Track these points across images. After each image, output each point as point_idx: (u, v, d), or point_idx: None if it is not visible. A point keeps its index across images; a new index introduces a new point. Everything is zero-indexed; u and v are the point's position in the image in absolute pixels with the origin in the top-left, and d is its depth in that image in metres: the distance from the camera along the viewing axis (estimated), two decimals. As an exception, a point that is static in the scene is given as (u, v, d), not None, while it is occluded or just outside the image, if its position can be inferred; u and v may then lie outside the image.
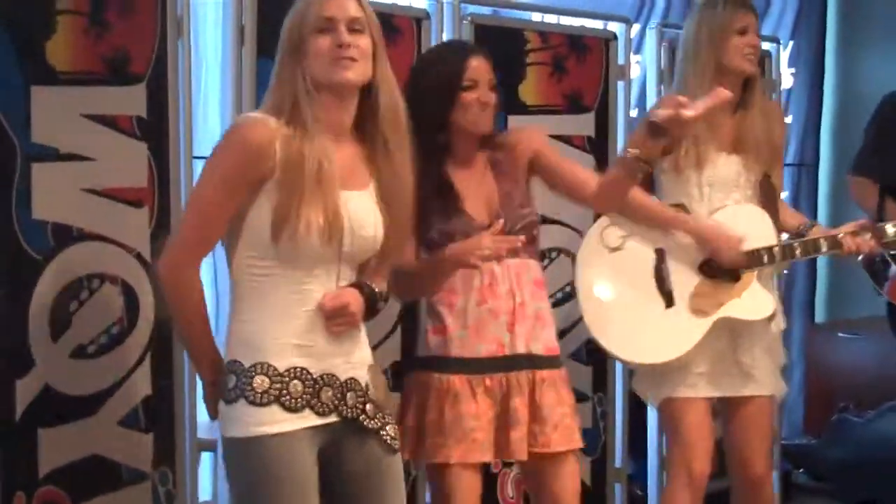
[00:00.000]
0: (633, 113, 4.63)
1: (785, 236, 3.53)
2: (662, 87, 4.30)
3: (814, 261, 5.81)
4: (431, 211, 2.94)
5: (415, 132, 2.61)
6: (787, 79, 5.67)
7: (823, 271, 6.20)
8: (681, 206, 3.42)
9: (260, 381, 2.36)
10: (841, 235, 3.39)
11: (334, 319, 2.44)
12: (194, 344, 2.53)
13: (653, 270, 3.40)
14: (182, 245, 2.46)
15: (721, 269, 3.37)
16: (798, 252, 3.42)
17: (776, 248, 3.38)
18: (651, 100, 4.37)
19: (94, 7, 2.89)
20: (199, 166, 3.57)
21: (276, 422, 2.37)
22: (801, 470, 5.20)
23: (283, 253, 2.37)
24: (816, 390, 5.72)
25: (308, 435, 2.40)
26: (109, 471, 2.98)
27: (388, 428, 2.53)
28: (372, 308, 2.51)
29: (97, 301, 2.93)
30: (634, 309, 3.38)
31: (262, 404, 2.36)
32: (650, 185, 3.48)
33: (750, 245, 3.36)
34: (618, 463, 4.26)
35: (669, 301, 3.38)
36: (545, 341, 3.07)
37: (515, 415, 2.98)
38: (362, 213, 2.45)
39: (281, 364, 2.38)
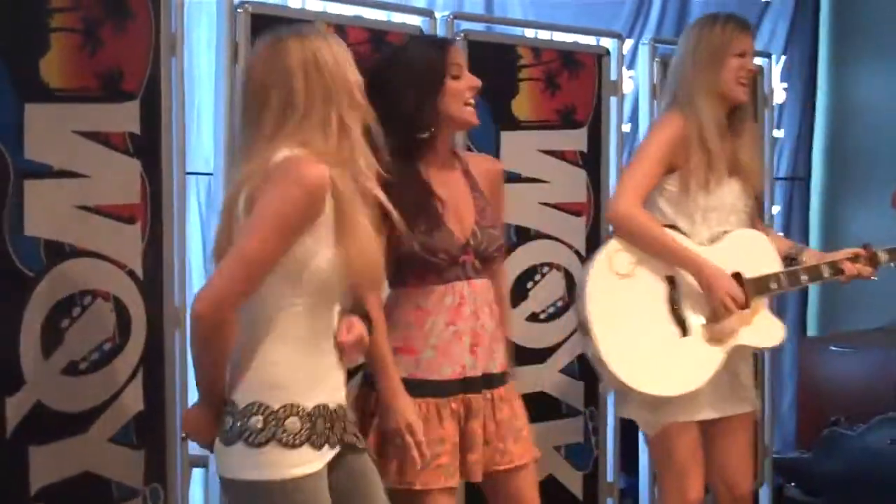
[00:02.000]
0: (626, 128, 4.65)
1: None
2: (655, 103, 4.31)
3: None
4: (412, 220, 2.81)
5: (392, 132, 2.60)
6: (779, 93, 5.69)
7: (815, 285, 6.21)
8: (675, 228, 3.34)
9: (291, 423, 2.37)
10: (842, 261, 3.41)
11: (351, 353, 2.50)
12: (211, 381, 2.46)
13: (666, 298, 3.31)
14: (231, 287, 2.35)
15: None
16: (803, 278, 3.42)
17: (782, 275, 3.37)
18: (644, 115, 4.39)
19: (87, 24, 2.90)
20: (192, 183, 3.61)
21: (307, 462, 2.38)
22: (793, 484, 5.20)
23: (317, 288, 2.38)
24: (808, 404, 5.73)
25: (326, 468, 2.43)
26: (101, 488, 2.97)
27: (362, 441, 2.60)
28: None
29: (89, 317, 2.93)
30: (651, 339, 3.27)
31: (294, 446, 2.37)
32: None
33: (755, 272, 3.35)
34: (609, 477, 4.26)
35: (685, 330, 3.30)
36: (499, 359, 3.02)
37: (474, 437, 2.93)
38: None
39: (308, 403, 2.40)
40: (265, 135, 2.40)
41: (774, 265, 3.40)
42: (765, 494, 4.92)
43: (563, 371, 4.07)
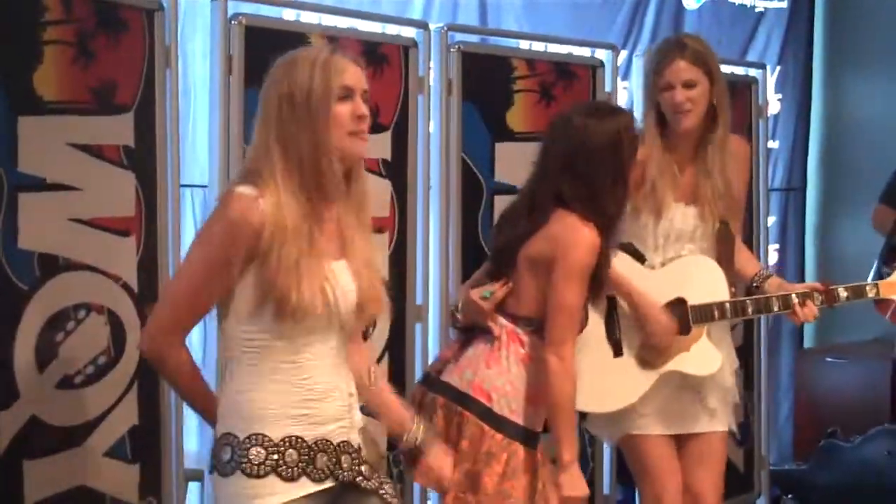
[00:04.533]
0: (621, 139, 4.64)
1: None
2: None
3: (802, 285, 5.81)
4: None
5: None
6: (773, 104, 5.70)
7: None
8: (629, 245, 3.31)
9: (256, 453, 2.32)
10: (793, 298, 3.33)
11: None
12: (198, 408, 2.47)
13: (605, 319, 3.30)
14: (165, 327, 2.36)
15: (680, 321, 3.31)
16: (750, 310, 3.37)
17: (727, 305, 3.31)
18: (639, 126, 4.37)
19: (81, 37, 2.90)
20: (186, 195, 3.61)
21: (274, 493, 2.32)
22: (789, 495, 5.19)
23: (279, 326, 2.32)
24: (805, 415, 5.72)
25: (305, 502, 2.35)
26: (95, 502, 2.96)
27: (386, 487, 2.49)
28: None
29: (84, 331, 2.92)
30: (588, 358, 3.21)
31: (259, 476, 2.31)
32: None
33: (700, 299, 3.31)
34: (606, 490, 4.25)
35: (618, 350, 3.29)
36: None
37: None
38: (345, 281, 2.38)
39: (276, 434, 2.34)
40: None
41: (722, 294, 3.33)
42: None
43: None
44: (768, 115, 4.98)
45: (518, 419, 2.92)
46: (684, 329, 3.29)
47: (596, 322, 3.27)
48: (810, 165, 6.23)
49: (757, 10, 5.86)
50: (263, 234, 2.27)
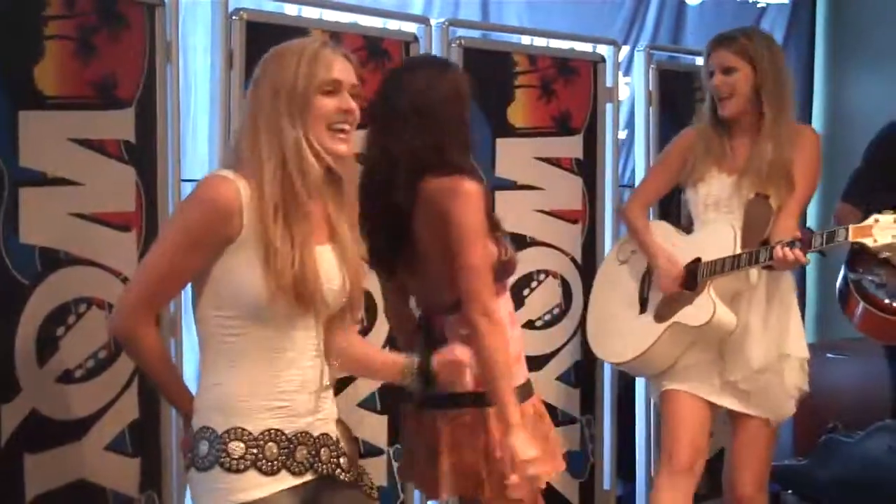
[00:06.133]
0: (622, 135, 4.65)
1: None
2: (651, 109, 4.32)
3: (803, 282, 5.81)
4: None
5: None
6: (775, 100, 5.67)
7: (812, 292, 6.20)
8: (668, 220, 3.76)
9: (235, 447, 2.29)
10: (777, 247, 3.39)
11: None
12: (167, 393, 2.46)
13: (640, 281, 3.69)
14: (135, 304, 2.33)
15: (691, 278, 3.54)
16: (744, 261, 3.46)
17: (728, 259, 3.47)
18: (640, 122, 4.38)
19: (82, 32, 2.90)
20: (187, 190, 3.60)
21: (254, 487, 2.30)
22: (790, 491, 5.19)
23: (255, 312, 2.30)
24: (805, 411, 5.64)
25: (286, 496, 2.34)
26: (96, 496, 2.97)
27: (364, 478, 2.50)
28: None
29: (84, 325, 2.93)
30: (615, 313, 3.72)
31: (238, 470, 2.29)
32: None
33: (709, 258, 3.50)
34: (606, 485, 4.26)
35: (644, 307, 3.65)
36: None
37: None
38: (328, 267, 2.37)
39: (255, 427, 2.32)
40: None
41: (731, 252, 3.49)
42: None
43: (559, 379, 4.07)
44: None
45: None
46: (691, 284, 3.53)
47: (634, 285, 3.71)
48: (812, 161, 6.22)
49: (759, 5, 5.85)
50: (241, 218, 2.26)
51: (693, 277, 3.54)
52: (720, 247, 3.50)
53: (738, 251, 3.46)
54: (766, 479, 3.66)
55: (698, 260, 3.54)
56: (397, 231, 2.84)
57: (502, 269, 2.91)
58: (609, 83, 4.19)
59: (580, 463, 4.16)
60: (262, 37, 3.15)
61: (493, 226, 2.89)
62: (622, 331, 3.67)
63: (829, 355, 5.68)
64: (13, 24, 2.79)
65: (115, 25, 2.98)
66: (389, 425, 3.59)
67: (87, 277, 2.94)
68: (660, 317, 3.58)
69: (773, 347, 3.54)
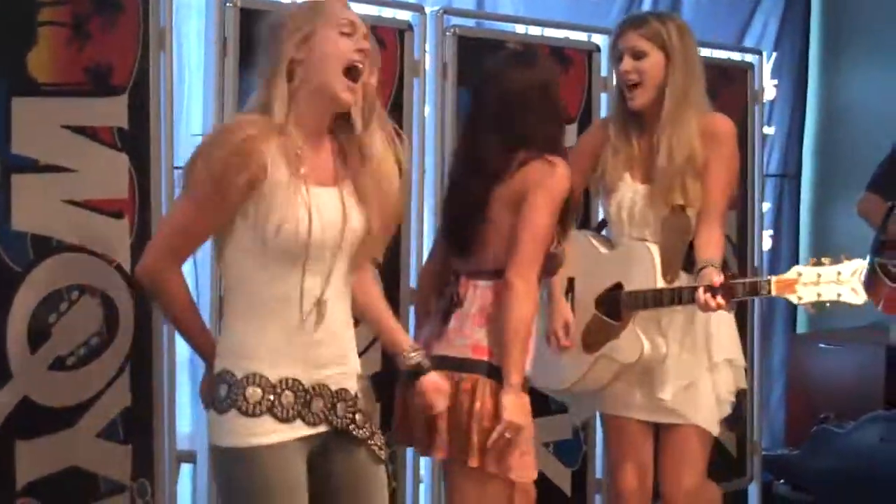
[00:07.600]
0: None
1: None
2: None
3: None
4: None
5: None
6: (769, 90, 5.68)
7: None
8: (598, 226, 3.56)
9: (252, 392, 2.36)
10: (700, 292, 3.11)
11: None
12: (191, 338, 2.51)
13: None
14: (162, 250, 2.42)
15: (613, 306, 3.33)
16: (665, 300, 3.23)
17: (649, 295, 3.24)
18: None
19: (76, 18, 2.89)
20: (180, 177, 3.60)
21: (268, 432, 2.36)
22: (781, 481, 5.20)
23: (278, 255, 2.35)
24: (797, 401, 5.73)
25: (298, 444, 2.41)
26: (88, 483, 2.98)
27: (375, 438, 2.53)
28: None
29: (77, 312, 2.93)
30: (540, 337, 3.25)
31: (254, 415, 2.35)
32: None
33: (631, 286, 3.29)
34: (598, 474, 4.26)
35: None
36: None
37: None
38: (330, 209, 2.40)
39: (273, 374, 2.37)
40: None
41: (653, 283, 3.26)
42: (753, 491, 4.93)
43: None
44: (764, 100, 4.96)
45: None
46: (614, 312, 3.31)
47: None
48: (806, 152, 6.22)
49: (754, -5, 5.85)
50: (262, 156, 2.31)
51: (616, 304, 3.32)
52: (642, 274, 3.27)
53: (660, 282, 3.24)
54: (700, 489, 3.42)
55: (620, 286, 3.32)
56: (482, 197, 2.97)
57: (547, 261, 2.99)
58: (604, 72, 4.18)
59: (572, 452, 4.16)
60: (256, 24, 3.12)
61: (566, 221, 3.03)
62: (550, 356, 3.35)
63: (821, 345, 5.70)
64: (6, 10, 2.78)
65: (109, 12, 2.98)
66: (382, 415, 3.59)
67: (79, 264, 2.94)
68: (588, 346, 3.36)
69: (697, 364, 3.33)
